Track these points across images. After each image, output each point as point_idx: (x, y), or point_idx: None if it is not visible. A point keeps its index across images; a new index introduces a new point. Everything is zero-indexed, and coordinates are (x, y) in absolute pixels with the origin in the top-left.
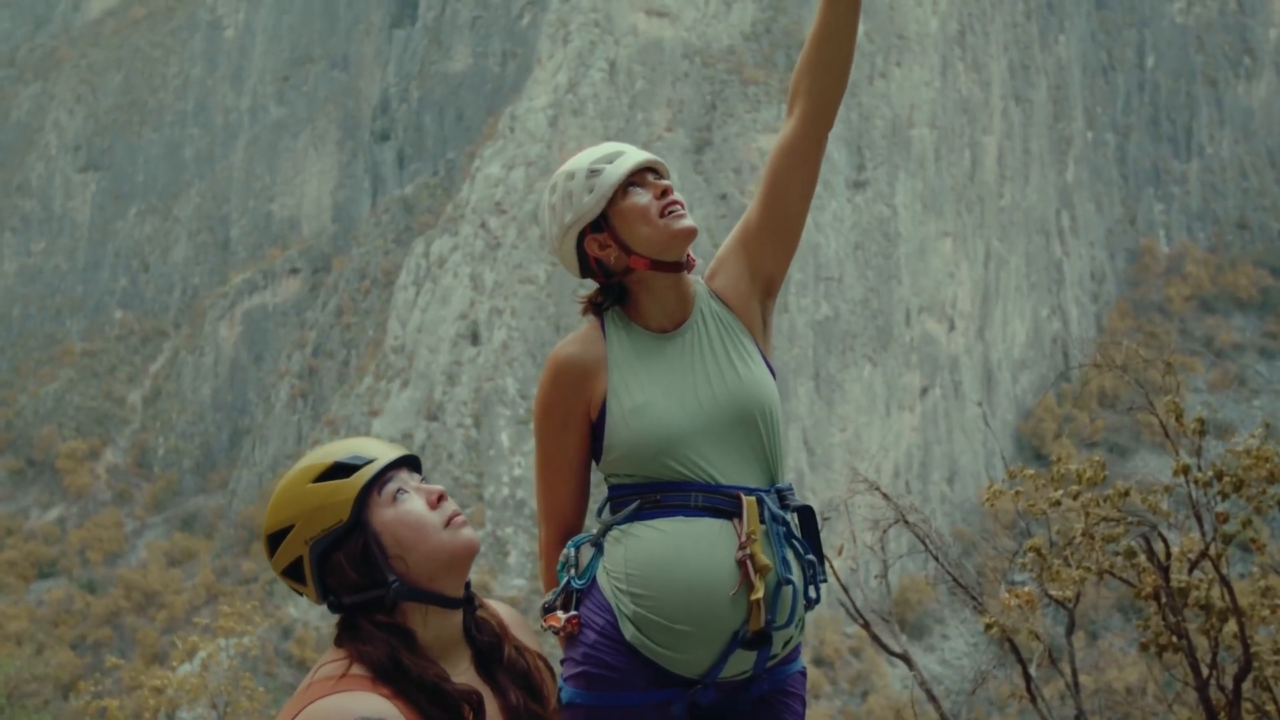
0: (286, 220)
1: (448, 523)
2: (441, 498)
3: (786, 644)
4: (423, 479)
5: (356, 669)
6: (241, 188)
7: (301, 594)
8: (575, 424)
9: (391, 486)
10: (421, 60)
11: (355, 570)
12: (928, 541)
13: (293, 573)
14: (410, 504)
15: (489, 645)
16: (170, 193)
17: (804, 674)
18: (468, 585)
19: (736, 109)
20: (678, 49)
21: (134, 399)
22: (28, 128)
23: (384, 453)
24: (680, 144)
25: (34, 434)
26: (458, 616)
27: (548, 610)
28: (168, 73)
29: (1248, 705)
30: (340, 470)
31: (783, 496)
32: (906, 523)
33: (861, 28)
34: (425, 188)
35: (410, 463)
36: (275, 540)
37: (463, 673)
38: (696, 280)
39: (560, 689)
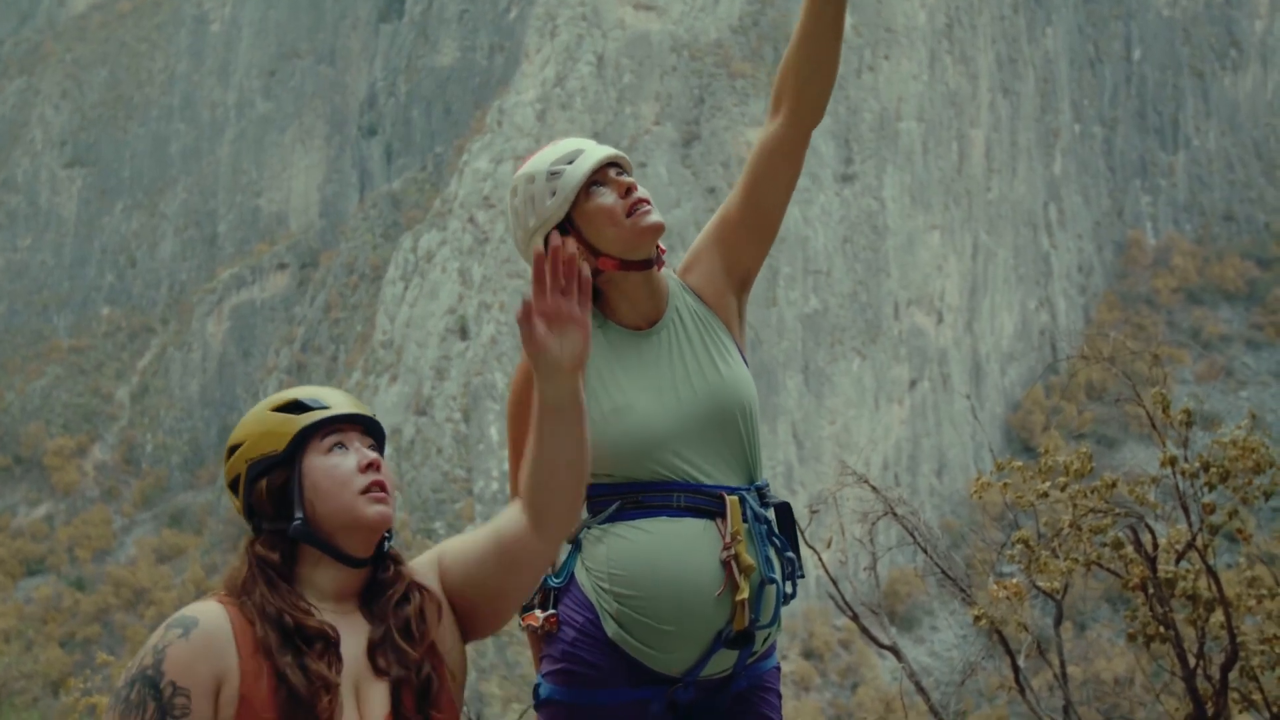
0: (274, 215)
1: (365, 490)
2: (373, 466)
3: (765, 641)
4: (377, 452)
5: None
6: (228, 183)
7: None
8: None
9: (334, 438)
10: (408, 54)
11: (271, 500)
12: (916, 534)
13: (234, 487)
14: (342, 460)
15: (380, 599)
16: (157, 188)
17: (779, 669)
18: (385, 554)
19: (724, 102)
20: (665, 42)
21: (121, 395)
22: (13, 123)
23: (343, 406)
24: (668, 137)
25: (21, 431)
26: (357, 575)
27: (525, 609)
28: (153, 68)
29: (1234, 695)
30: (296, 406)
31: (762, 494)
32: (895, 515)
33: (849, 21)
34: (413, 182)
35: (371, 429)
36: (230, 453)
37: (341, 616)
38: (669, 274)
39: (538, 685)
